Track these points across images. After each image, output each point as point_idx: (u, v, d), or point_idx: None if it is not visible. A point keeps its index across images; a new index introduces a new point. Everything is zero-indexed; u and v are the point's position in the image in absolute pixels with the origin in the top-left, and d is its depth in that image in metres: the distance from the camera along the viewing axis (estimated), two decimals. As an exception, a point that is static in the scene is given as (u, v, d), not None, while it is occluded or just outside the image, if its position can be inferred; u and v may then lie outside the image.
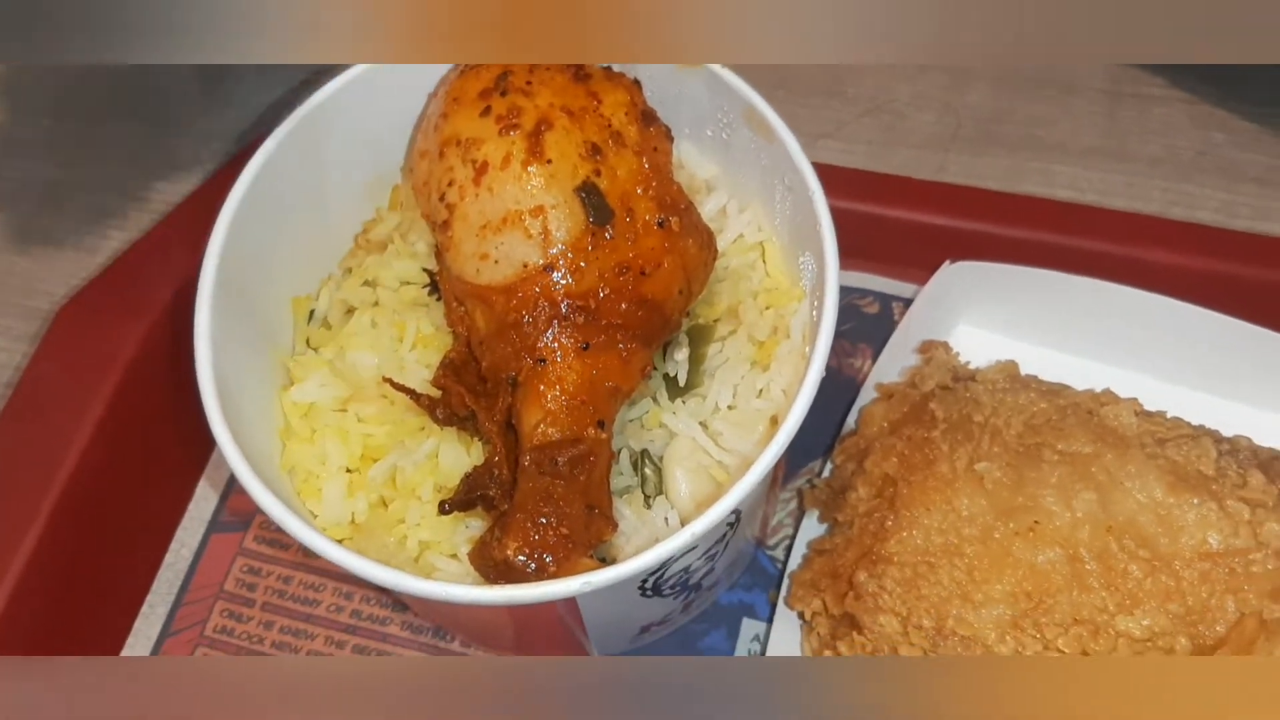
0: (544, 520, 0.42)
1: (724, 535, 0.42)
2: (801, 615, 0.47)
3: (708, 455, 0.44)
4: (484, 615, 0.46)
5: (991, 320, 0.55)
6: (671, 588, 0.43)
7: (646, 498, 0.43)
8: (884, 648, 0.43)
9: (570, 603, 0.41)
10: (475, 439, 0.45)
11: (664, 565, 0.40)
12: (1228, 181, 0.63)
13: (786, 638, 0.48)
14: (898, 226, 0.58)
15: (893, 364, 0.53)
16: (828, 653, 0.45)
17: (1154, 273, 0.54)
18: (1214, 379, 0.52)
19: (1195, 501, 0.43)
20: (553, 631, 0.46)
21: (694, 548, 0.40)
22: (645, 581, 0.41)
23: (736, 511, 0.40)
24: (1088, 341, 0.53)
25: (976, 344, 0.54)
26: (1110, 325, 0.53)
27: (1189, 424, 0.47)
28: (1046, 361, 0.52)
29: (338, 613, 0.53)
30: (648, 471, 0.44)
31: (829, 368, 0.57)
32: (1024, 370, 0.51)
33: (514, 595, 0.38)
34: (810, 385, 0.40)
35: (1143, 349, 0.53)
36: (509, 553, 0.41)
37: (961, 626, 0.42)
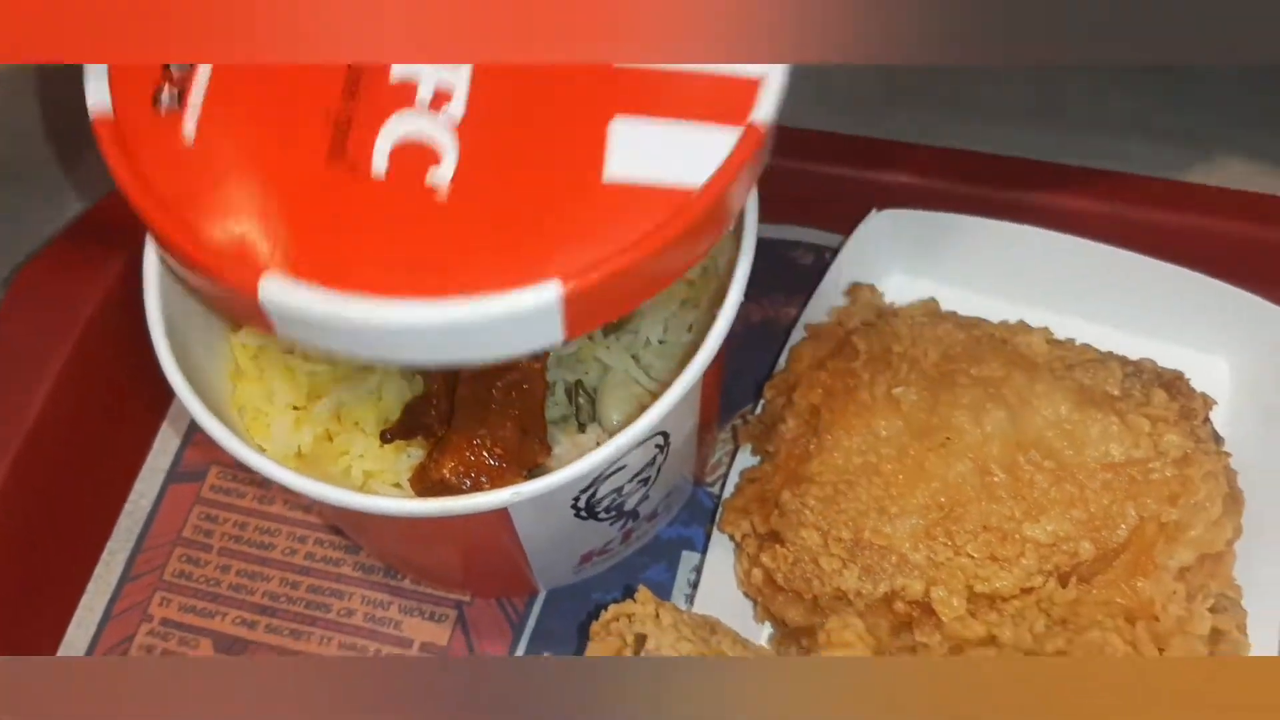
0: (478, 442, 0.44)
1: (654, 458, 0.44)
2: (733, 538, 0.49)
3: (638, 385, 0.47)
4: (426, 544, 0.48)
5: (917, 265, 0.57)
6: (606, 511, 0.45)
7: (580, 425, 0.46)
8: (805, 558, 0.45)
9: (505, 522, 0.43)
10: (416, 374, 0.47)
11: (594, 482, 0.42)
12: (1153, 139, 0.66)
13: (721, 562, 0.50)
14: (829, 181, 0.60)
15: (821, 307, 0.55)
16: (756, 571, 0.48)
17: (1074, 219, 0.56)
18: (1125, 314, 0.55)
19: (1099, 417, 0.45)
20: (495, 558, 0.48)
21: (623, 467, 0.42)
22: (578, 500, 0.43)
23: (664, 434, 0.42)
24: (1008, 283, 0.56)
25: (902, 287, 0.57)
26: (1029, 266, 0.56)
27: (1097, 350, 0.49)
28: (969, 303, 0.54)
29: (292, 555, 0.55)
30: (581, 401, 0.46)
31: (766, 318, 0.60)
32: (945, 309, 0.53)
33: (444, 506, 0.40)
34: (729, 307, 0.42)
35: (1061, 288, 0.55)
36: (445, 472, 0.44)
37: (878, 537, 0.44)
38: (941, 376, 0.47)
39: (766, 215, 0.63)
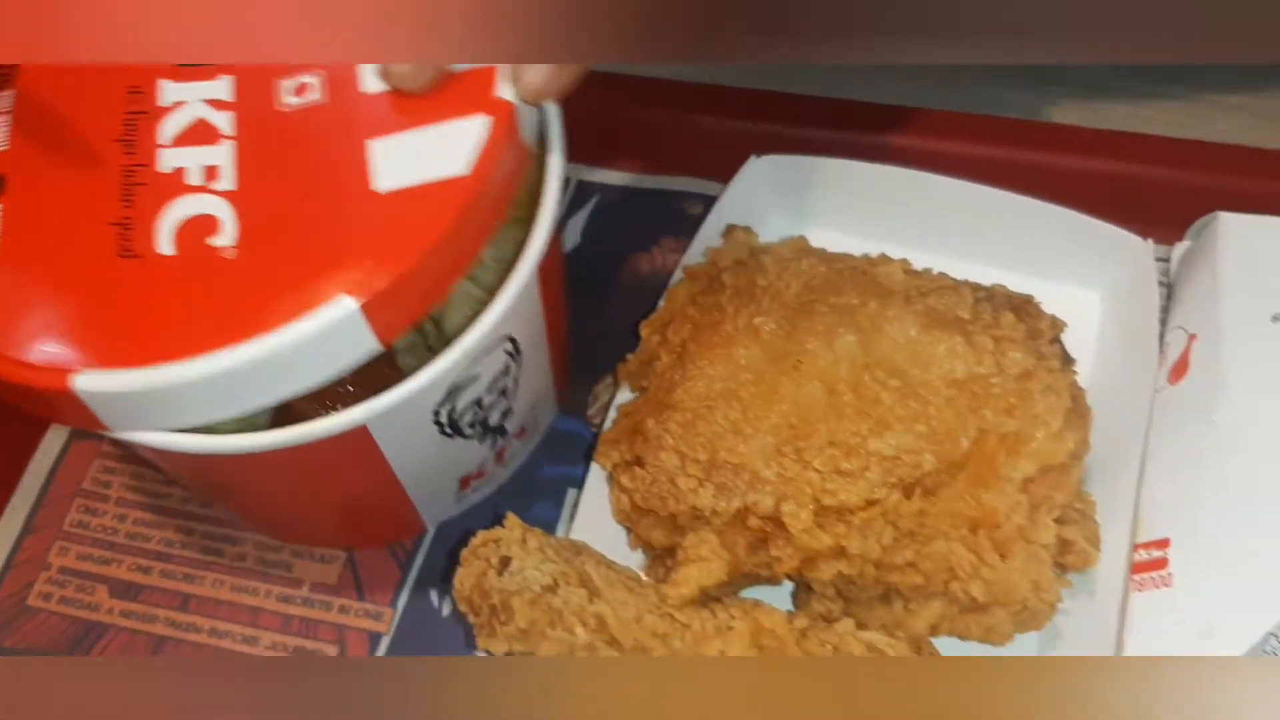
0: (330, 377, 0.46)
1: (507, 366, 0.46)
2: (606, 470, 0.51)
3: (476, 299, 0.48)
4: (299, 493, 0.49)
5: (796, 209, 0.59)
6: (471, 426, 0.47)
7: (429, 348, 0.47)
8: (662, 479, 0.46)
9: (370, 447, 0.44)
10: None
11: (450, 393, 0.44)
12: (1035, 81, 0.68)
13: (597, 494, 0.52)
14: (714, 132, 0.62)
15: (700, 251, 0.56)
16: (623, 497, 0.49)
17: (947, 162, 0.58)
18: (999, 252, 0.56)
19: (945, 337, 0.47)
20: (372, 494, 0.49)
21: (476, 376, 0.44)
22: (439, 414, 0.45)
23: (512, 340, 0.44)
24: (884, 224, 0.57)
25: (782, 231, 0.58)
26: (905, 207, 0.57)
27: (952, 278, 0.51)
28: (845, 245, 0.56)
29: (187, 503, 0.56)
30: (428, 327, 0.47)
31: (654, 267, 0.61)
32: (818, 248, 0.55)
33: (301, 432, 0.42)
34: (549, 203, 0.45)
35: (935, 228, 0.57)
36: (299, 408, 0.45)
37: (732, 456, 0.46)
38: (801, 307, 0.49)
39: (655, 167, 0.66)
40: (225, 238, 0.40)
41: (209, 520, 0.56)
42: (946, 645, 0.48)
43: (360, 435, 0.43)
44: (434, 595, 0.54)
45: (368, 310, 0.38)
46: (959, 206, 0.57)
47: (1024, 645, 0.50)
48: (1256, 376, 0.46)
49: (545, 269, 0.45)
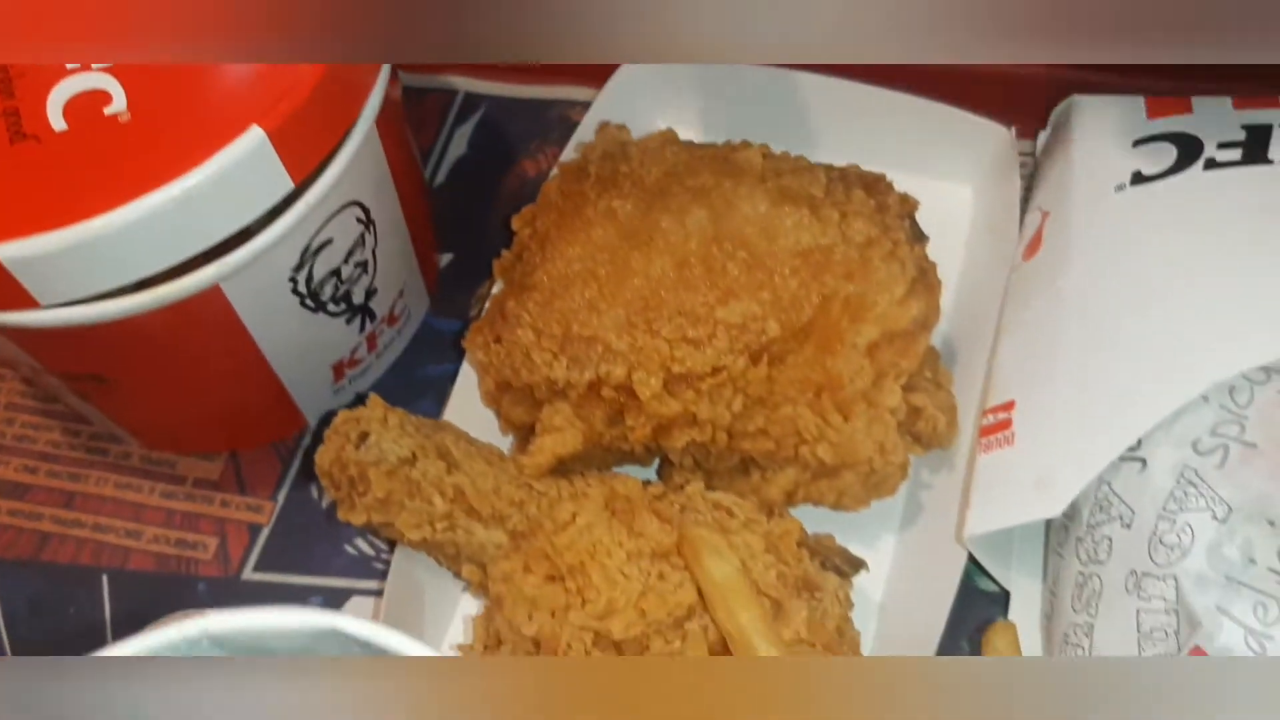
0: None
1: (361, 236, 0.47)
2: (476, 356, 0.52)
3: None
4: (162, 376, 0.50)
5: (669, 112, 0.60)
6: (334, 301, 0.48)
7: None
8: (517, 353, 0.47)
9: (228, 313, 0.45)
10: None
11: (303, 256, 0.45)
12: None
13: (469, 380, 0.52)
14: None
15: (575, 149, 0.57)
16: (486, 378, 0.50)
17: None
18: (875, 148, 0.57)
19: (793, 211, 0.48)
20: (241, 379, 0.50)
21: (329, 240, 0.45)
22: (296, 281, 0.46)
23: (361, 205, 0.45)
24: (752, 123, 0.57)
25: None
26: (783, 107, 0.58)
27: (809, 160, 0.52)
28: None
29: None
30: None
31: (540, 172, 0.62)
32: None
33: (155, 296, 0.42)
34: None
35: (810, 126, 0.58)
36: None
37: (585, 329, 0.47)
38: (659, 190, 0.50)
39: (539, 77, 0.66)
40: (118, 105, 0.41)
41: (97, 420, 0.57)
42: (805, 515, 0.49)
43: (217, 300, 0.44)
44: (314, 489, 0.55)
45: (276, 140, 0.40)
46: (832, 103, 0.58)
47: (887, 518, 0.51)
48: (1100, 245, 0.47)
49: (387, 130, 0.46)
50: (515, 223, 0.54)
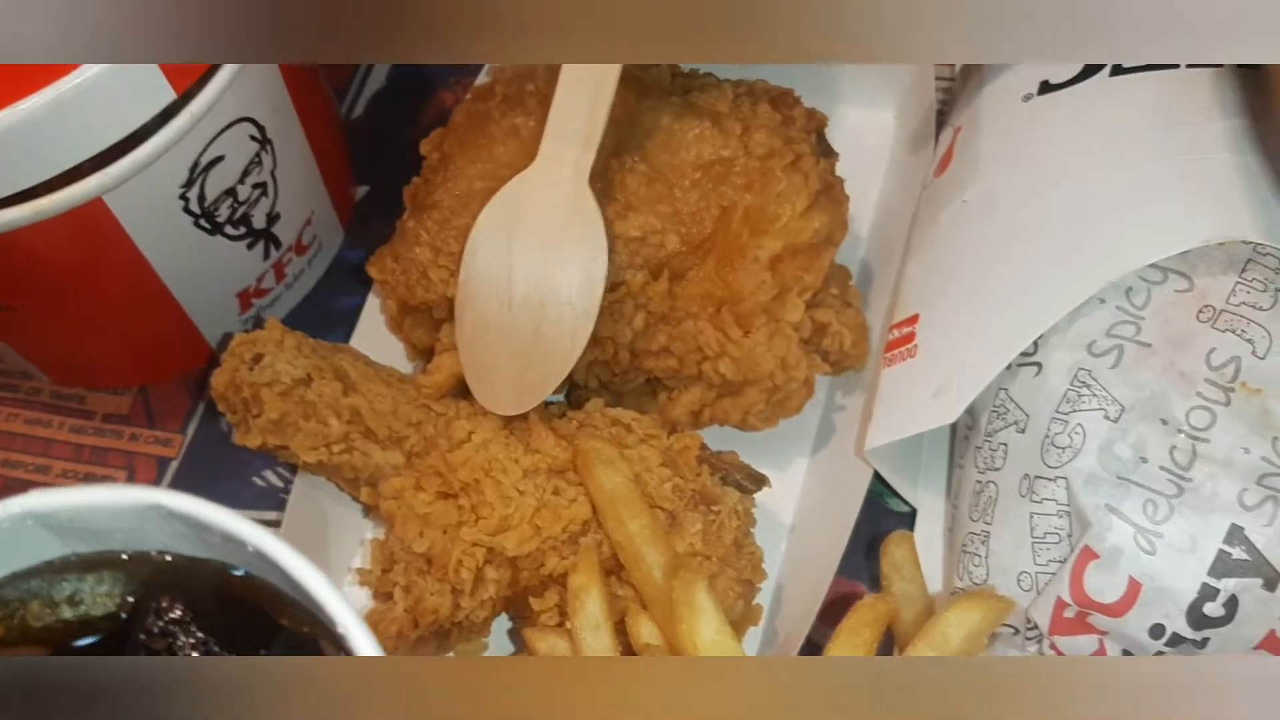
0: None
1: (257, 155, 0.46)
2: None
3: None
4: (65, 301, 0.49)
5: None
6: (232, 224, 0.47)
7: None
8: (413, 270, 0.46)
9: (116, 229, 0.44)
10: None
11: (192, 172, 0.44)
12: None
13: (376, 308, 0.52)
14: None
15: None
16: (389, 302, 0.49)
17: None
18: (802, 81, 0.56)
19: (696, 123, 0.47)
20: (141, 306, 0.49)
21: (220, 157, 0.45)
22: (187, 199, 0.45)
23: (256, 124, 0.45)
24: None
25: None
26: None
27: (718, 78, 0.51)
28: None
29: None
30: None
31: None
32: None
33: (38, 207, 0.41)
34: None
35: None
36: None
37: (482, 246, 0.46)
38: (564, 107, 0.49)
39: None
40: None
41: (6, 359, 0.56)
42: (719, 439, 0.48)
43: (103, 216, 0.43)
44: (223, 422, 0.54)
45: None
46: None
47: (800, 442, 0.51)
48: (1003, 156, 0.47)
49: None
50: (424, 147, 0.53)
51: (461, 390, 0.46)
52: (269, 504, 0.52)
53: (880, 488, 0.47)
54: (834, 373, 0.49)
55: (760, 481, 0.46)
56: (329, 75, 0.62)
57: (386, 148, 0.60)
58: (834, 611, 0.43)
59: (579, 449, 0.42)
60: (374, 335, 0.51)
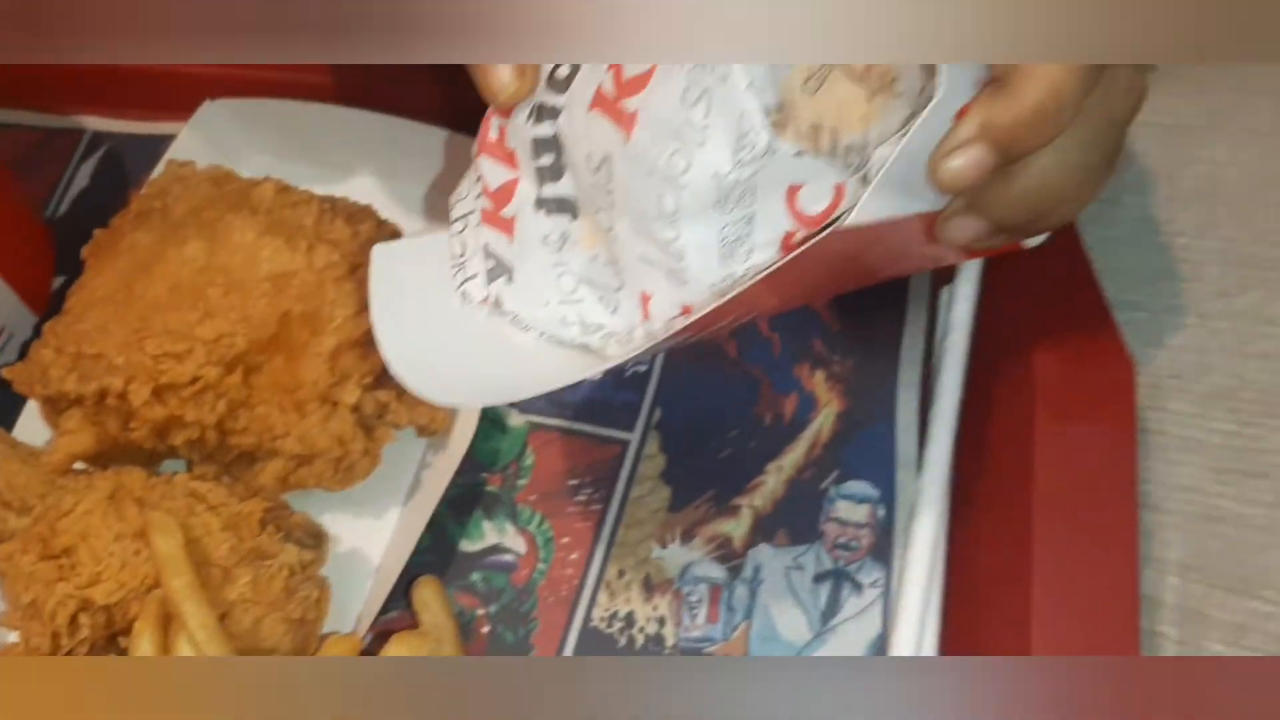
0: None
1: None
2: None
3: None
4: None
5: (250, 146, 0.69)
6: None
7: None
8: (36, 370, 0.56)
9: None
10: None
11: None
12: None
13: (38, 393, 0.61)
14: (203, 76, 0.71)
15: (155, 183, 0.66)
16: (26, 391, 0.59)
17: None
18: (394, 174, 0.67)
19: (272, 241, 0.57)
20: None
21: None
22: None
23: None
24: (317, 154, 0.67)
25: (240, 164, 0.68)
26: (334, 138, 0.67)
27: (312, 194, 0.61)
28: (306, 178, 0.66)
29: None
30: None
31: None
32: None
33: None
34: None
35: (356, 153, 0.67)
36: None
37: (93, 348, 0.55)
38: (178, 223, 0.59)
39: (160, 114, 0.74)
40: None
41: None
42: (311, 499, 0.58)
43: None
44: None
45: None
46: (377, 137, 0.67)
47: (395, 494, 0.61)
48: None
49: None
50: (84, 252, 0.63)
51: (103, 463, 0.56)
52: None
53: (457, 529, 0.58)
54: (422, 435, 0.60)
55: (320, 538, 0.56)
56: (40, 181, 0.72)
57: (85, 242, 0.70)
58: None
59: (146, 519, 0.52)
60: (30, 426, 0.61)
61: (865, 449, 0.56)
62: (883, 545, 0.54)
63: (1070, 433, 0.54)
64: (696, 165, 0.42)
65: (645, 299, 0.46)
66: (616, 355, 0.47)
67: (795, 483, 0.57)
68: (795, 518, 0.56)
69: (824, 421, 0.58)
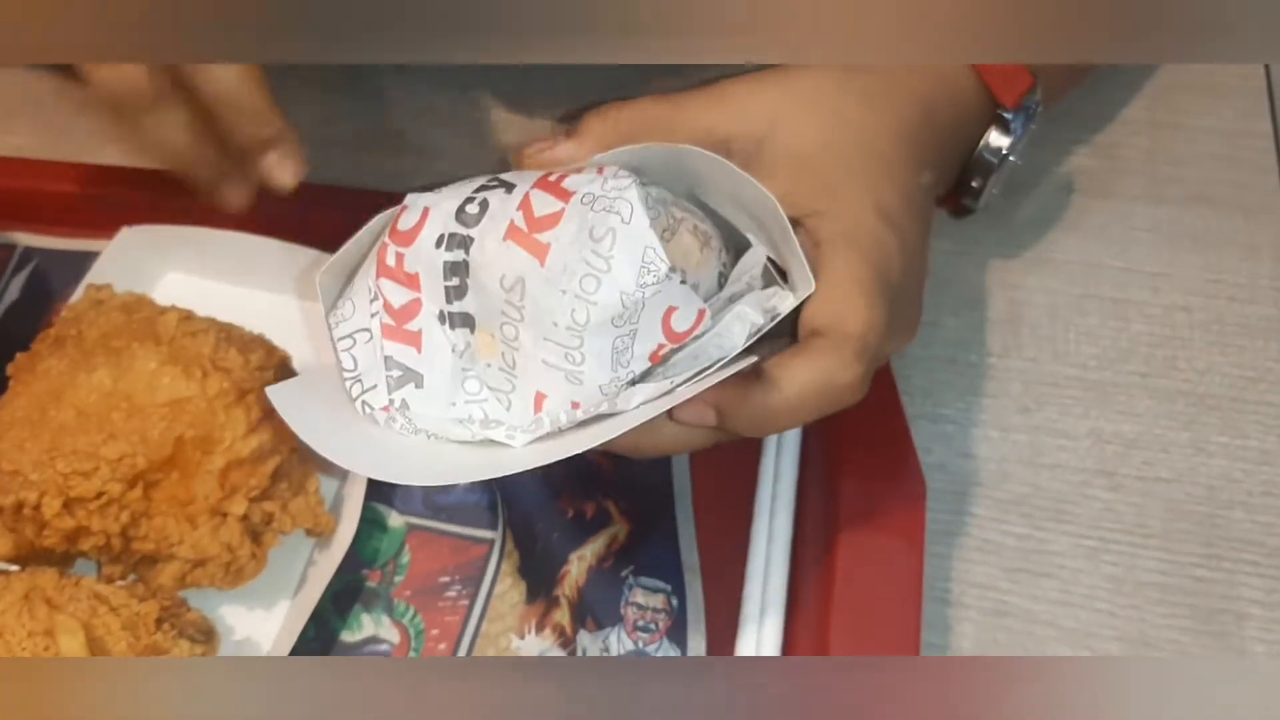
0: None
1: None
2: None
3: None
4: None
5: (175, 270, 0.77)
6: None
7: None
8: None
9: None
10: None
11: None
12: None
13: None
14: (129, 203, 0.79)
15: (77, 303, 0.73)
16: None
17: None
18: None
19: (171, 369, 0.64)
20: None
21: None
22: None
23: None
24: (233, 278, 0.75)
25: (172, 286, 0.76)
26: (247, 265, 0.75)
27: (211, 322, 0.68)
28: (226, 299, 0.73)
29: None
30: None
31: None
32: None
33: None
34: None
35: (271, 280, 0.75)
36: None
37: (10, 465, 0.63)
38: (88, 350, 0.66)
39: (87, 232, 0.81)
40: None
41: None
42: (194, 596, 0.66)
43: None
44: None
45: None
46: (278, 262, 0.75)
47: (284, 588, 0.68)
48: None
49: None
50: (9, 370, 0.71)
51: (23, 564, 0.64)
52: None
53: (338, 621, 0.65)
54: (310, 536, 0.67)
55: (210, 634, 0.63)
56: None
57: (16, 352, 0.77)
58: None
59: (52, 619, 0.59)
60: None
61: (654, 559, 0.65)
62: (679, 627, 0.62)
63: (866, 543, 0.62)
64: (605, 286, 0.51)
65: (540, 398, 0.55)
66: (525, 455, 0.55)
67: (595, 571, 0.64)
68: (597, 603, 0.63)
69: (618, 531, 0.66)
